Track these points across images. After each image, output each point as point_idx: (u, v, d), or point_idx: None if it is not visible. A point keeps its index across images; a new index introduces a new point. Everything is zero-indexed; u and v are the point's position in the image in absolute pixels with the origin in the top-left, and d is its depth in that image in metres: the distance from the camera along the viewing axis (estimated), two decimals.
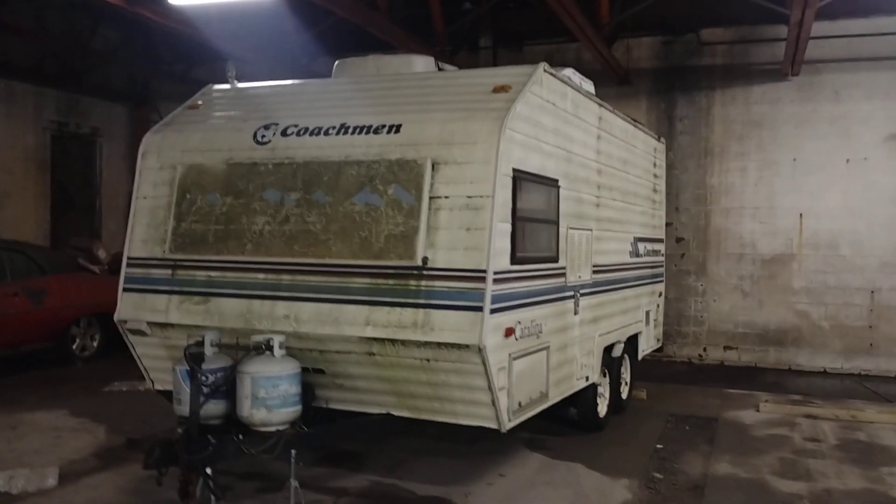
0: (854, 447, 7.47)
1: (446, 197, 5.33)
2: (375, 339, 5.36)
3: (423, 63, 7.00)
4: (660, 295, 10.17)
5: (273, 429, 5.15)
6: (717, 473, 6.60)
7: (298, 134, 5.93)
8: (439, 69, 6.97)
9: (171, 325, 6.06)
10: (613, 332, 7.84)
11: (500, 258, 5.25)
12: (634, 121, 8.95)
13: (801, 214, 12.99)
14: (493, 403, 5.29)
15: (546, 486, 6.18)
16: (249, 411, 5.09)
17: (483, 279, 5.14)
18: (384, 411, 5.73)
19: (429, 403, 5.53)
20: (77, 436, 7.41)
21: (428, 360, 5.29)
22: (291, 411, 5.19)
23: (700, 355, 13.41)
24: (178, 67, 15.73)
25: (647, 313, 9.31)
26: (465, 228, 5.25)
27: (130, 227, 6.39)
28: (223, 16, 11.31)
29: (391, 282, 5.37)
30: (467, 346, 5.09)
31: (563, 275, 6.45)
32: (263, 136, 6.03)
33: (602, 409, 7.74)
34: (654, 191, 9.85)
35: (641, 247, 9.00)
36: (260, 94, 6.75)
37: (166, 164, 6.33)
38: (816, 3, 9.13)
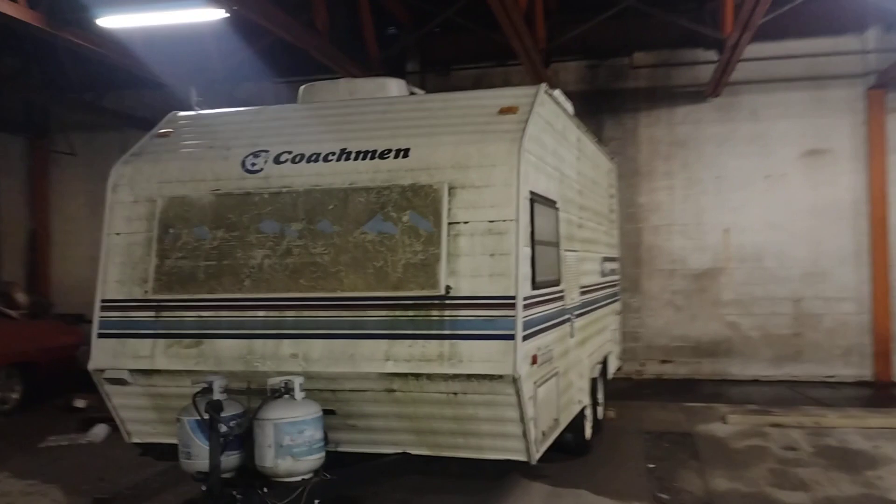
0: (831, 453, 7.67)
1: (465, 222, 5.13)
2: (397, 375, 5.07)
3: (396, 87, 6.79)
4: (619, 313, 10.25)
5: (298, 478, 4.76)
6: (718, 489, 6.60)
7: (294, 161, 5.59)
8: (410, 93, 6.78)
9: (158, 372, 5.56)
10: (595, 352, 7.80)
11: (524, 283, 5.08)
12: (598, 141, 9.01)
13: (726, 229, 13.46)
14: (524, 435, 5.09)
15: None
16: (274, 461, 4.69)
17: (512, 306, 4.95)
18: (400, 451, 5.42)
19: (451, 439, 5.27)
20: (32, 500, 6.69)
21: (455, 394, 5.04)
22: (317, 458, 4.83)
23: (638, 370, 13.62)
24: (87, 95, 14.80)
25: (614, 332, 9.35)
26: (488, 254, 5.05)
27: (103, 267, 5.85)
28: (148, 40, 10.72)
29: (411, 313, 5.11)
30: (500, 377, 4.88)
31: (563, 298, 6.34)
32: (254, 165, 5.66)
33: (588, 431, 7.66)
34: (611, 210, 9.94)
35: (607, 266, 9.04)
36: (236, 120, 6.36)
37: (142, 197, 5.84)
38: (755, 26, 9.47)
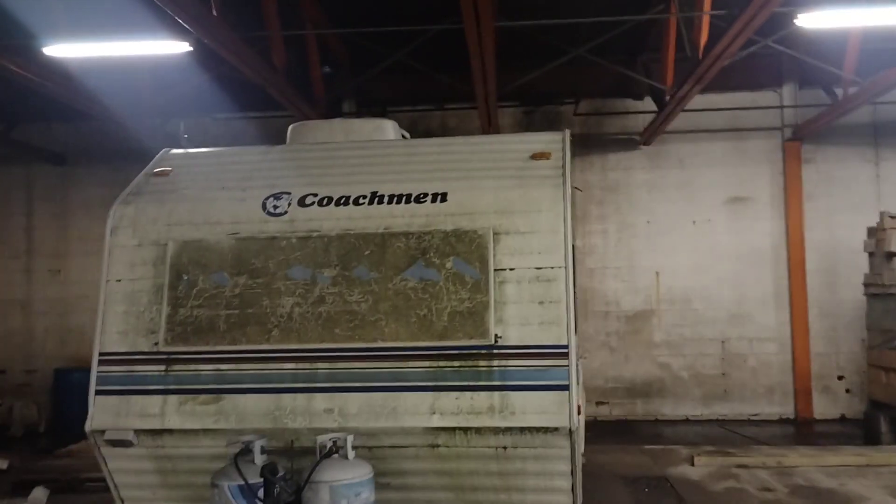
0: (805, 493, 7.89)
1: (512, 269, 5.01)
2: (443, 429, 4.85)
3: (392, 129, 6.65)
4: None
5: None
6: None
7: (321, 204, 5.32)
8: (403, 136, 6.68)
9: (169, 432, 5.09)
10: (579, 396, 7.76)
11: (572, 331, 4.99)
12: None
13: (657, 272, 13.88)
14: (573, 489, 4.96)
15: None
16: None
17: (565, 355, 4.86)
18: None
19: (493, 496, 5.07)
20: None
21: (504, 448, 4.86)
22: None
23: None
24: None
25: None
26: (537, 302, 4.94)
27: (101, 317, 5.34)
28: (84, 71, 10.11)
29: (457, 363, 4.92)
30: (556, 430, 4.75)
31: (579, 344, 6.29)
32: (276, 207, 5.35)
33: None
34: None
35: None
36: (243, 160, 6.00)
37: (147, 241, 5.40)
38: (708, 79, 9.90)
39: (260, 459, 4.53)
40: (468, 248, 5.03)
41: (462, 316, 4.93)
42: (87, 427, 5.17)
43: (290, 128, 6.90)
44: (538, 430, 4.76)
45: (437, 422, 4.84)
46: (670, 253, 13.86)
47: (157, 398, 5.14)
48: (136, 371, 5.20)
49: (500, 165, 5.45)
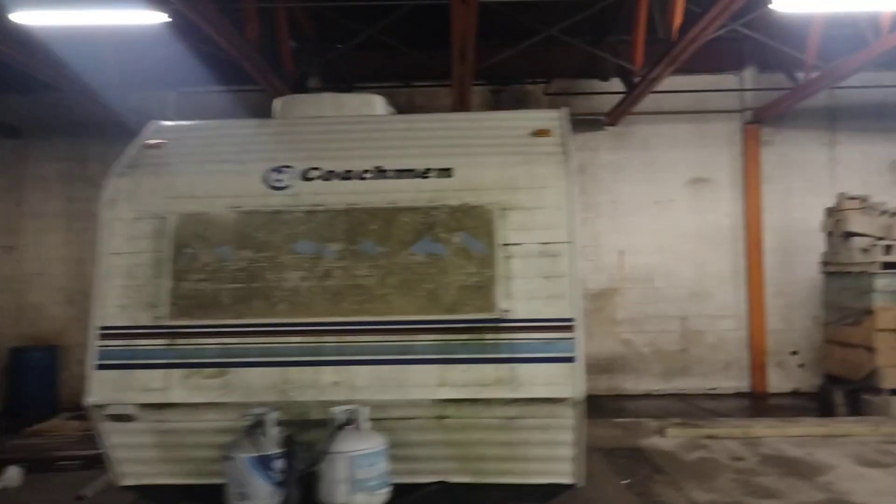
0: (774, 462, 8.21)
1: (518, 244, 5.09)
2: (451, 401, 4.92)
3: (381, 105, 6.66)
4: None
5: None
6: (701, 501, 6.90)
7: (325, 178, 5.31)
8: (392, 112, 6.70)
9: (173, 406, 5.05)
10: None
11: (580, 305, 5.10)
12: None
13: (621, 251, 14.14)
14: (575, 458, 5.09)
15: None
16: (347, 497, 4.41)
17: (571, 328, 4.96)
18: (438, 479, 5.24)
19: (497, 465, 5.17)
20: None
21: (511, 419, 4.96)
22: (387, 492, 4.58)
23: None
24: None
25: None
26: (543, 276, 5.03)
27: (99, 291, 5.25)
28: (50, 40, 9.81)
29: (465, 336, 4.99)
30: (562, 400, 4.86)
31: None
32: (278, 181, 5.32)
33: None
34: None
35: None
36: (238, 133, 5.94)
37: (146, 214, 5.33)
38: (681, 61, 10.08)
39: (273, 432, 4.54)
40: (475, 223, 5.09)
41: (470, 290, 5.00)
42: (87, 401, 5.09)
43: (276, 101, 6.84)
44: (545, 401, 4.87)
45: (445, 394, 4.91)
46: (634, 233, 14.11)
47: (160, 372, 5.09)
48: (138, 345, 5.14)
49: (502, 142, 5.50)
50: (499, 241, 5.05)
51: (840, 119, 14.14)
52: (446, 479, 5.24)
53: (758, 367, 14.06)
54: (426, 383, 4.93)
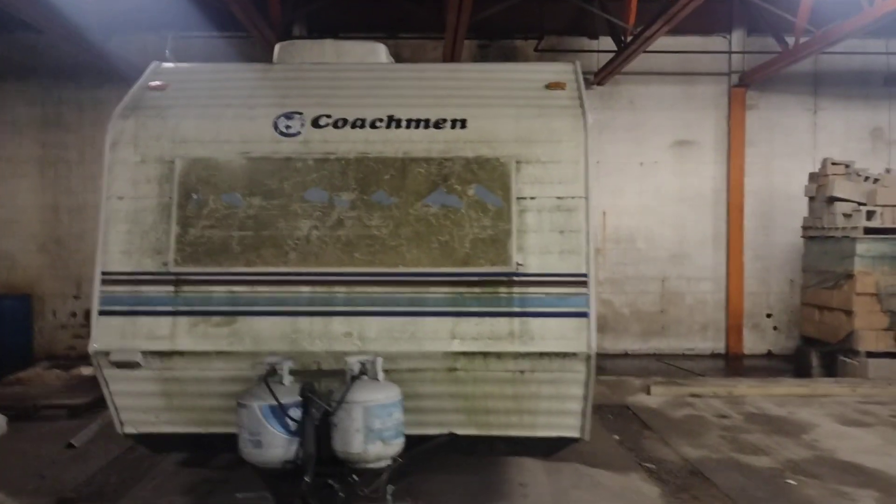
0: (759, 420, 8.38)
1: (532, 198, 5.04)
2: (462, 354, 4.90)
3: (384, 53, 6.54)
4: None
5: (384, 464, 4.48)
6: (691, 457, 7.00)
7: (336, 126, 5.20)
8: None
9: (179, 354, 4.97)
10: None
11: (593, 260, 5.08)
12: None
13: (604, 212, 14.16)
14: (583, 412, 5.12)
15: (576, 490, 6.10)
16: (363, 446, 4.38)
17: (585, 283, 4.95)
18: (446, 431, 5.24)
19: (505, 418, 5.19)
20: None
21: (522, 372, 4.96)
22: (401, 442, 4.57)
23: None
24: None
25: None
26: (557, 231, 5.00)
27: (103, 235, 5.11)
28: None
29: (477, 290, 4.96)
30: (574, 355, 4.87)
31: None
32: (289, 128, 5.19)
33: None
34: None
35: None
36: (246, 77, 5.77)
37: (151, 158, 5.18)
38: (676, 21, 10.01)
39: (288, 380, 4.50)
40: (490, 175, 5.03)
41: (484, 243, 4.95)
42: (91, 348, 4.99)
43: (277, 46, 6.67)
44: (557, 355, 4.87)
45: (457, 346, 4.89)
46: (617, 193, 14.14)
47: (167, 319, 5.00)
48: (143, 292, 5.03)
49: (516, 94, 5.42)
50: (514, 195, 4.99)
51: (823, 85, 14.23)
52: (455, 431, 5.23)
53: (734, 329, 14.28)
54: (438, 336, 4.90)
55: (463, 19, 9.73)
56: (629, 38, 11.80)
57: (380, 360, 4.60)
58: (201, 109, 5.34)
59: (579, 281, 4.94)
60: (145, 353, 4.98)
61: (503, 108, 5.26)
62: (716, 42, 14.22)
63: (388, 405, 4.44)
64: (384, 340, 4.91)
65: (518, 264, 4.93)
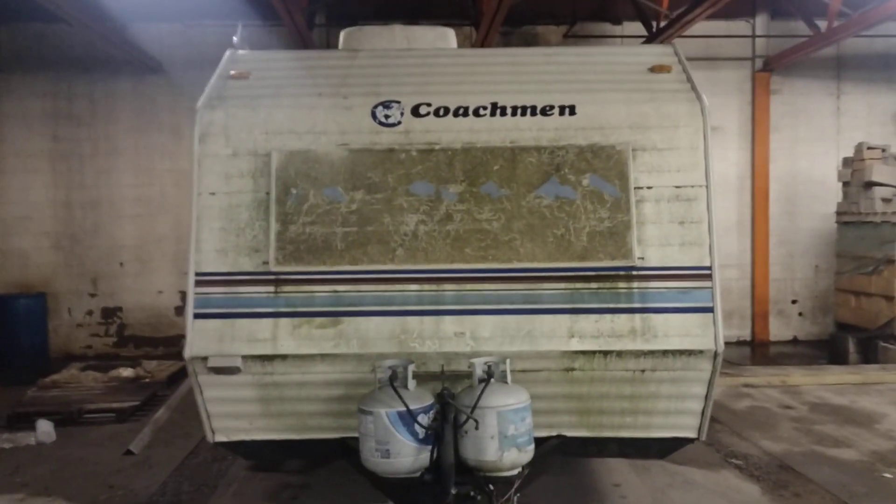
0: (824, 410, 8.24)
1: (649, 187, 4.81)
2: (581, 353, 4.67)
3: (454, 38, 6.33)
4: None
5: (517, 471, 4.24)
6: (774, 451, 6.84)
7: (438, 114, 4.93)
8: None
9: (282, 358, 4.70)
10: None
11: (716, 252, 4.86)
12: None
13: None
14: (703, 412, 4.91)
15: (673, 489, 5.91)
16: (497, 454, 4.13)
17: (709, 276, 4.74)
18: (554, 433, 5.01)
19: (619, 419, 4.96)
20: None
21: (643, 371, 4.74)
22: (533, 448, 4.33)
23: None
24: None
25: None
26: (677, 222, 4.78)
27: (195, 234, 4.81)
28: None
29: (595, 285, 4.72)
30: (700, 352, 4.65)
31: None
32: (388, 117, 4.92)
33: None
34: None
35: None
36: (330, 64, 5.46)
37: (243, 150, 4.88)
38: (720, 4, 9.81)
39: (412, 384, 4.24)
40: (606, 164, 4.78)
41: (602, 236, 4.71)
42: (187, 354, 4.69)
43: (343, 33, 6.42)
44: (682, 352, 4.66)
45: (576, 345, 4.65)
46: None
47: (268, 322, 4.71)
48: (241, 293, 4.74)
49: (621, 79, 5.17)
50: (632, 184, 4.76)
51: (846, 68, 14.09)
52: (564, 433, 5.00)
53: (760, 316, 14.16)
54: (555, 334, 4.66)
55: (504, 4, 9.43)
56: (663, 23, 11.56)
57: (507, 362, 4.35)
58: (293, 99, 5.04)
59: (703, 274, 4.72)
60: (245, 358, 4.69)
61: (611, 92, 5.02)
62: (739, 26, 14.02)
63: (521, 409, 4.20)
64: (499, 340, 4.66)
65: (639, 258, 4.69)
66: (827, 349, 12.37)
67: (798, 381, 9.37)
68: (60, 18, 10.46)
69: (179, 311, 13.04)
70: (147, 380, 9.19)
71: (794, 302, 14.35)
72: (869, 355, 11.28)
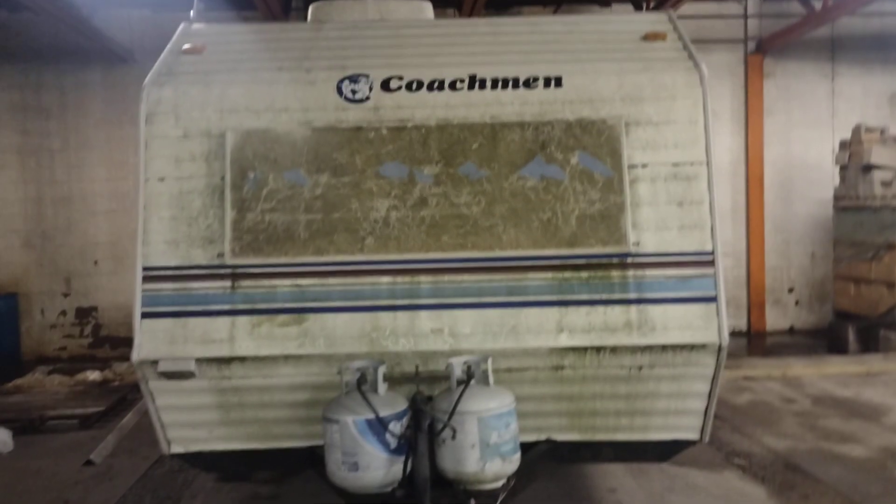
0: (828, 403, 7.84)
1: (644, 165, 4.37)
2: (572, 349, 4.22)
3: (430, 11, 5.83)
4: None
5: (500, 484, 3.80)
6: (778, 448, 6.44)
7: (410, 88, 4.47)
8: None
9: (240, 360, 4.23)
10: None
11: (717, 236, 4.41)
12: None
13: None
14: (706, 411, 4.48)
15: (673, 494, 5.49)
16: (478, 465, 3.69)
17: (711, 263, 4.30)
18: (543, 437, 4.56)
19: (614, 421, 4.52)
20: None
21: (640, 368, 4.30)
22: (519, 457, 3.88)
23: None
24: None
25: None
26: (676, 203, 4.34)
27: (142, 224, 4.34)
28: None
29: (586, 274, 4.27)
30: (703, 346, 4.22)
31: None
32: (355, 92, 4.45)
33: None
34: None
35: None
36: (294, 37, 5.00)
37: (195, 131, 4.41)
38: None
39: (383, 388, 3.78)
40: (596, 140, 4.33)
41: (593, 220, 4.26)
42: (135, 357, 4.22)
43: (312, 6, 5.93)
44: (682, 347, 4.22)
45: (565, 341, 4.21)
46: None
47: (224, 320, 4.25)
48: (194, 288, 4.28)
49: (612, 48, 4.73)
50: (626, 162, 4.31)
51: (840, 49, 13.68)
52: (552, 438, 4.56)
53: (756, 306, 13.77)
54: (542, 329, 4.22)
55: None
56: (652, 4, 11.13)
57: (490, 361, 3.90)
58: (251, 74, 4.58)
59: (705, 261, 4.29)
60: (200, 361, 4.23)
61: (601, 62, 4.57)
62: (730, 7, 13.60)
63: (504, 414, 3.76)
64: (480, 336, 4.21)
65: (634, 243, 4.25)
66: (825, 338, 11.99)
67: (799, 373, 8.98)
68: (25, 7, 9.96)
69: None
70: (116, 383, 8.71)
71: (790, 290, 13.96)
72: (869, 344, 10.90)
